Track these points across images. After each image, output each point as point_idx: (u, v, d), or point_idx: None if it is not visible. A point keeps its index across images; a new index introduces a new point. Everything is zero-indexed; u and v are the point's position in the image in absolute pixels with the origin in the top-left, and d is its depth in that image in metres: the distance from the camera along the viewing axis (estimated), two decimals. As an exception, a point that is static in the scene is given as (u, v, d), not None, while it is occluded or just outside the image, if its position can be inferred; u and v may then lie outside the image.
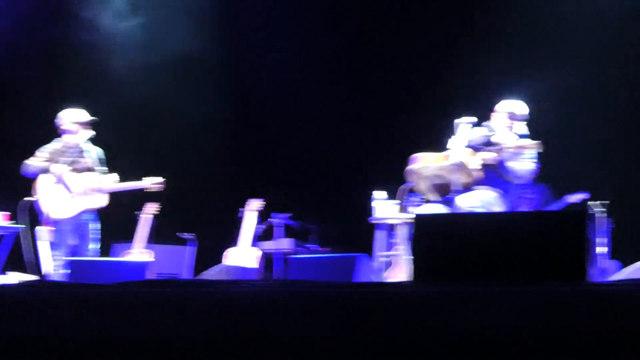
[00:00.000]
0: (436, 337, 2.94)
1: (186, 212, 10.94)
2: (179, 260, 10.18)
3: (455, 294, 3.12)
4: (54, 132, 8.52)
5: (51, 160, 8.20)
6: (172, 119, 11.25)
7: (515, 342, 2.85)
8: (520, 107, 7.23)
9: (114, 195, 8.40)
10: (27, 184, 8.33)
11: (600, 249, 8.24)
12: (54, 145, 8.34)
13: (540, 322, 2.88)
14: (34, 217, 8.25)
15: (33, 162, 8.20)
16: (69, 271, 7.07)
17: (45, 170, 8.13)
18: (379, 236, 8.28)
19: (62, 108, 8.48)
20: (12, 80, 11.18)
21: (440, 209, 6.92)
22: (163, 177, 8.59)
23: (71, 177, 8.19)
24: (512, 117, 7.18)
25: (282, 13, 11.36)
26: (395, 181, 7.82)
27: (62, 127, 8.35)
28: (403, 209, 7.98)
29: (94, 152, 8.42)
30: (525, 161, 7.07)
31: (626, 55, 9.83)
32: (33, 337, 3.38)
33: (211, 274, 7.52)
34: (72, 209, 8.14)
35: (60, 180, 8.15)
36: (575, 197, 9.19)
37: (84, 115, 8.38)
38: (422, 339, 2.95)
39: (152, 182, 8.49)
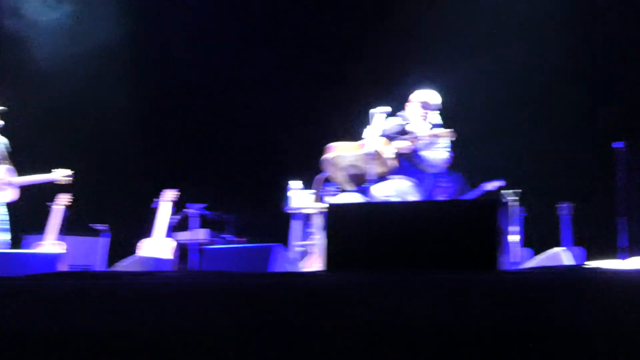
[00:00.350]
0: (347, 326, 2.96)
1: (99, 203, 10.80)
2: (92, 252, 10.04)
3: (366, 283, 3.14)
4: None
5: None
6: (86, 110, 11.11)
7: (425, 331, 2.89)
8: (434, 97, 7.31)
9: (25, 186, 8.27)
10: None
11: (513, 237, 8.40)
12: None
13: (451, 310, 2.92)
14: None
15: None
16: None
17: None
18: (295, 226, 8.30)
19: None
20: None
21: (356, 198, 6.95)
22: (76, 168, 8.50)
23: None
24: (426, 106, 7.25)
25: (198, 8, 11.29)
26: (311, 171, 7.84)
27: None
28: (319, 199, 8.01)
29: (1, 144, 8.22)
30: (439, 150, 7.15)
31: (541, 45, 10.05)
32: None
33: (125, 265, 7.42)
34: None
35: None
36: (491, 185, 9.35)
37: None
38: (334, 328, 2.96)
39: (61, 175, 8.39)
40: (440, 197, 8.84)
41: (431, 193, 7.37)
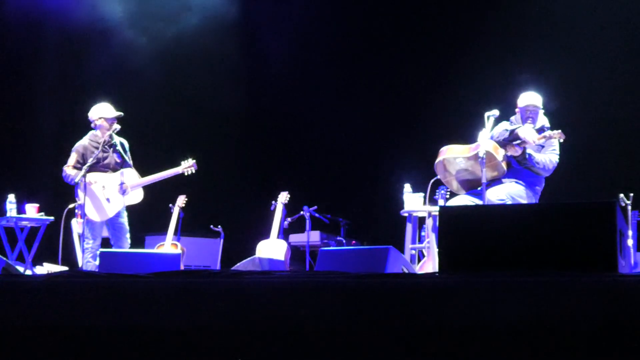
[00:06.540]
0: (459, 327, 2.98)
1: (214, 205, 11.02)
2: (210, 253, 10.26)
3: (479, 284, 3.16)
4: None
5: (85, 159, 8.14)
6: (203, 113, 11.38)
7: (540, 333, 2.89)
8: (536, 99, 7.22)
9: (150, 186, 8.48)
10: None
11: (629, 242, 8.20)
12: (84, 142, 8.30)
13: (571, 312, 2.90)
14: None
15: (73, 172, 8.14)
16: (97, 263, 7.18)
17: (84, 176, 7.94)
18: (409, 229, 8.32)
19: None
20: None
21: (468, 201, 6.94)
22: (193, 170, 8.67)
23: (106, 178, 8.22)
24: (530, 109, 7.16)
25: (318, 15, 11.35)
26: (424, 174, 7.85)
27: (96, 123, 8.29)
28: (433, 202, 8.02)
29: (120, 145, 8.38)
30: (549, 152, 7.07)
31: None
32: (65, 326, 3.45)
33: (244, 265, 7.58)
34: (111, 209, 8.17)
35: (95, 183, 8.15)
36: None
37: (111, 109, 8.34)
38: (447, 329, 2.99)
39: (186, 166, 8.57)
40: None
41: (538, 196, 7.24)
